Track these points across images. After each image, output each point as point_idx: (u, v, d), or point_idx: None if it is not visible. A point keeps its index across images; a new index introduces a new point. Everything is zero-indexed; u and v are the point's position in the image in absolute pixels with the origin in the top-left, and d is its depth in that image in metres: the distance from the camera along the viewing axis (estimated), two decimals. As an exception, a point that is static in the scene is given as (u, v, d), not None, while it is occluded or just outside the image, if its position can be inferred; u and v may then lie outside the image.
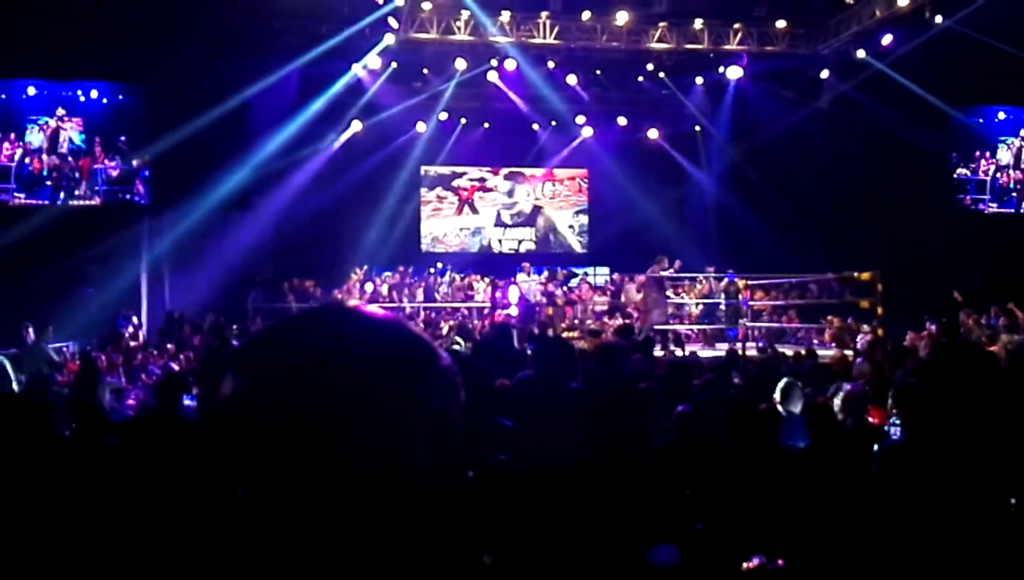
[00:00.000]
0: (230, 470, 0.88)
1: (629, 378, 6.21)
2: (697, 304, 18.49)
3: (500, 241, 23.74)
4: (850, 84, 19.30)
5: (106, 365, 10.91)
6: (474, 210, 23.65)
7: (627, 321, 16.22)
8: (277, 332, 0.98)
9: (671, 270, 16.34)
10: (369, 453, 0.87)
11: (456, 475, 0.95)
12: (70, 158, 17.90)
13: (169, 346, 13.48)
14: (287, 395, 0.87)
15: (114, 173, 18.13)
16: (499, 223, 23.77)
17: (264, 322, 16.02)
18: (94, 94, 18.16)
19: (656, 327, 15.08)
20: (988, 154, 21.33)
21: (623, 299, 19.04)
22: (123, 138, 18.13)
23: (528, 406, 5.30)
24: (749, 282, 17.73)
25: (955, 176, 21.21)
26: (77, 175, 18.00)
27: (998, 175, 21.36)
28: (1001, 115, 21.33)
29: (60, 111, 17.92)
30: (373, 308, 1.00)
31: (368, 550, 0.87)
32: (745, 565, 3.72)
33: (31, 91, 17.81)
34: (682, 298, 18.50)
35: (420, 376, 0.94)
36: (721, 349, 14.02)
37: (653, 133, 22.57)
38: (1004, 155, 21.37)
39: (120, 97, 18.21)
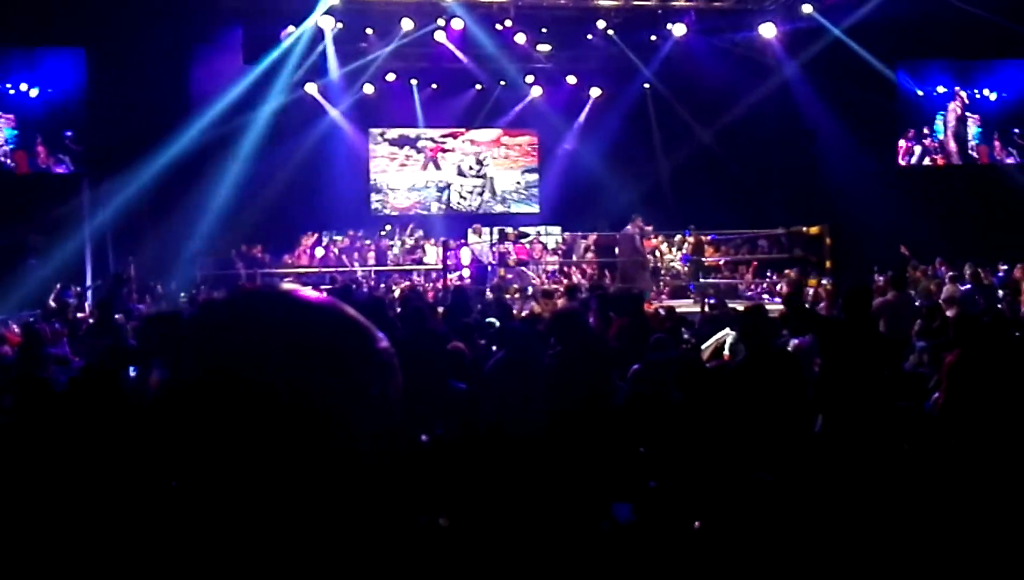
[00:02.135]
0: (163, 458, 0.85)
1: (595, 340, 6.21)
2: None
3: (460, 199, 23.61)
4: (797, 40, 19.37)
5: (50, 336, 10.71)
6: (437, 167, 23.50)
7: (577, 281, 16.29)
8: (208, 319, 0.95)
9: (650, 228, 16.51)
10: (308, 440, 0.85)
11: (397, 455, 0.94)
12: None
13: (117, 316, 13.23)
14: (219, 385, 0.85)
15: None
16: (454, 183, 23.67)
17: (210, 290, 15.85)
18: (23, 87, 17.50)
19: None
20: (926, 130, 21.38)
21: (574, 257, 19.15)
22: (69, 134, 17.60)
23: (501, 384, 5.27)
24: (701, 238, 17.89)
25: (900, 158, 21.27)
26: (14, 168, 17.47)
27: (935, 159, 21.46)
28: (941, 89, 21.39)
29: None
30: (307, 290, 0.97)
31: (312, 531, 0.86)
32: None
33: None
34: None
35: (357, 362, 0.92)
36: (681, 305, 14.10)
37: (595, 92, 22.54)
38: (940, 126, 21.45)
39: (50, 90, 17.49)
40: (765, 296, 16.88)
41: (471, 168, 23.61)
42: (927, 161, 21.29)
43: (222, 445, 0.84)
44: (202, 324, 0.95)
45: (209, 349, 0.88)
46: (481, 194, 23.66)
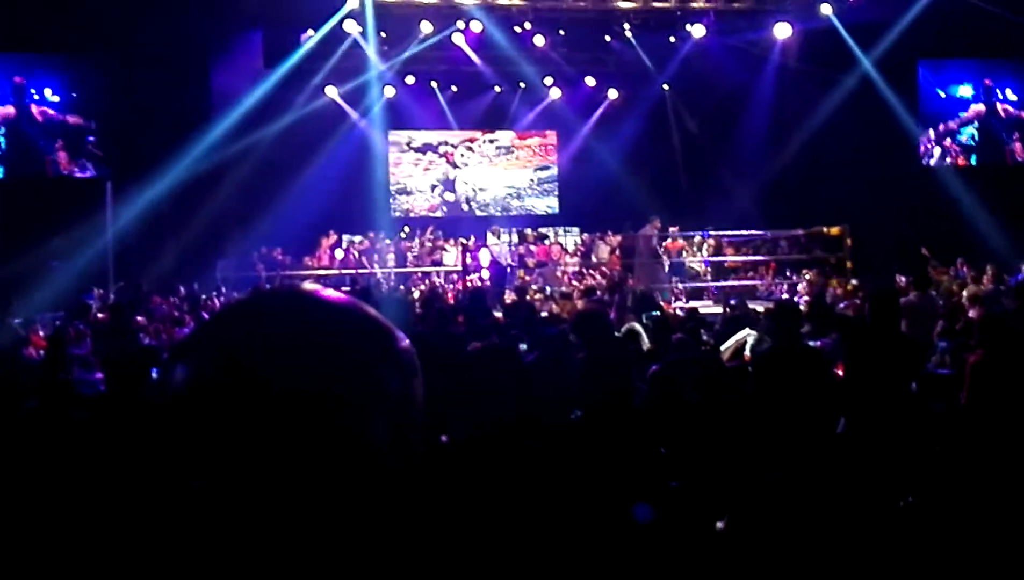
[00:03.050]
0: (184, 459, 0.86)
1: (617, 340, 6.21)
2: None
3: (474, 201, 23.69)
4: (815, 40, 19.27)
5: (73, 338, 10.80)
6: (456, 167, 23.61)
7: (599, 280, 16.26)
8: (230, 318, 0.96)
9: (674, 229, 16.48)
10: (329, 441, 0.85)
11: (418, 453, 0.94)
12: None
13: (139, 318, 13.31)
14: (239, 385, 0.85)
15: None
16: (475, 188, 23.76)
17: (230, 292, 15.93)
18: (47, 93, 17.63)
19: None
20: (948, 135, 21.22)
21: (593, 259, 19.12)
22: (92, 139, 17.71)
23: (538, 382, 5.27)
24: (721, 239, 17.83)
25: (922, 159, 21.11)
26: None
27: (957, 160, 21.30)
28: (968, 90, 21.21)
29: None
30: (328, 290, 0.97)
31: (332, 532, 0.86)
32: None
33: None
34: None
35: (378, 360, 0.92)
36: (701, 306, 14.05)
37: (613, 94, 22.52)
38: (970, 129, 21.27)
39: (73, 94, 17.64)
40: (785, 296, 16.81)
41: (475, 167, 23.70)
42: (948, 161, 21.12)
43: (242, 442, 0.84)
44: (224, 322, 0.96)
45: (230, 347, 0.89)
46: (485, 190, 23.75)
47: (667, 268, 17.05)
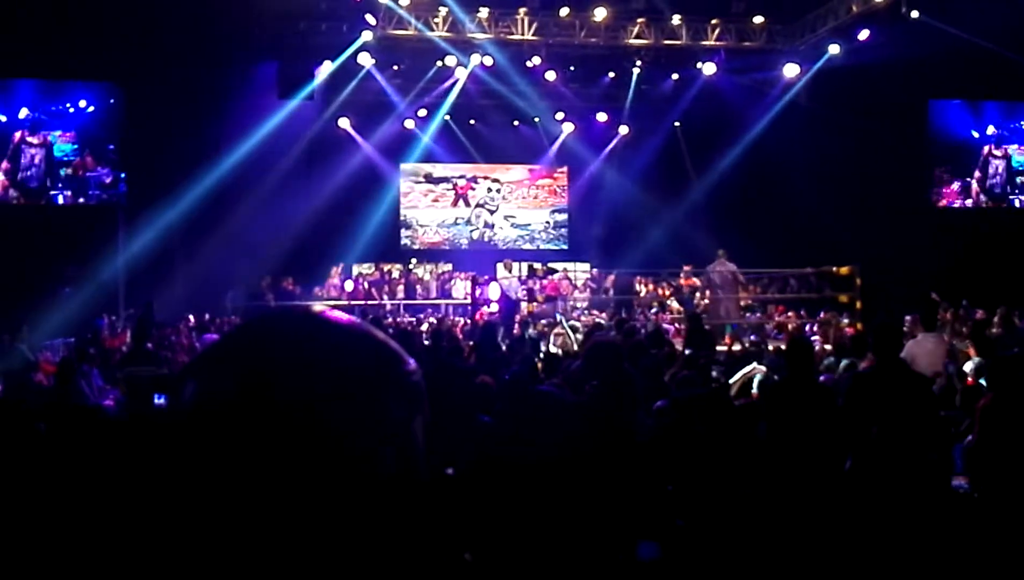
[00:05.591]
0: (192, 476, 0.86)
1: (628, 374, 6.19)
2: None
3: (485, 234, 23.71)
4: (827, 79, 19.35)
5: (83, 363, 10.83)
6: (467, 204, 23.65)
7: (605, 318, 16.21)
8: (241, 338, 0.96)
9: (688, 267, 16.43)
10: (331, 463, 0.86)
11: (420, 482, 0.93)
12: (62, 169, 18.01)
13: (148, 346, 13.32)
14: (246, 405, 0.85)
15: (107, 180, 18.06)
16: (486, 222, 23.81)
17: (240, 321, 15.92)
18: (82, 104, 18.10)
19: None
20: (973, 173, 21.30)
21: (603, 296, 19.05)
22: (112, 147, 18.03)
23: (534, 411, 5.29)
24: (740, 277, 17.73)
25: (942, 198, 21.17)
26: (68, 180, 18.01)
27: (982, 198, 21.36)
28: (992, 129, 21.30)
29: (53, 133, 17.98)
30: (337, 313, 0.97)
31: (332, 558, 0.86)
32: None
33: (23, 113, 17.89)
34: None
35: (384, 384, 0.92)
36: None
37: (624, 130, 22.61)
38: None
39: (110, 101, 18.09)
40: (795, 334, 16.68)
41: (488, 203, 23.73)
42: (969, 202, 21.14)
43: (248, 460, 0.84)
44: (235, 342, 0.96)
45: (241, 366, 0.89)
46: (501, 228, 23.78)
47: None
